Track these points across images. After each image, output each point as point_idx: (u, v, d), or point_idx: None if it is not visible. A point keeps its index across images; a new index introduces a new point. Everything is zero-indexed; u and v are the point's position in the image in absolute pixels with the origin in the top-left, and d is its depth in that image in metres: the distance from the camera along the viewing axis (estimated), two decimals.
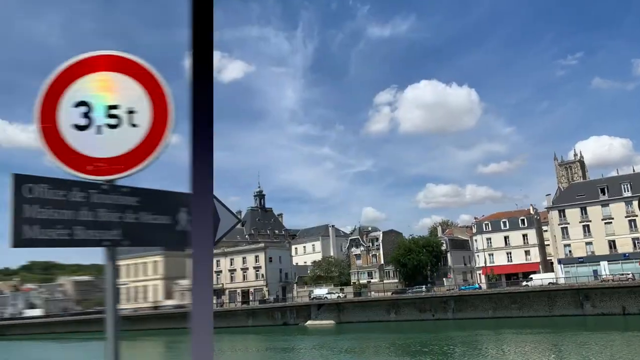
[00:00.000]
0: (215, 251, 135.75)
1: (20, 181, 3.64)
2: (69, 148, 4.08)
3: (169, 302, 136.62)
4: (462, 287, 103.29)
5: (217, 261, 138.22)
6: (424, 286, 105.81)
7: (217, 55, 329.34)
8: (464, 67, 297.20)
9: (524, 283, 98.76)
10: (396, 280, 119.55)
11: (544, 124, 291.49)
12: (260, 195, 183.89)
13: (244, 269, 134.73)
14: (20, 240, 3.56)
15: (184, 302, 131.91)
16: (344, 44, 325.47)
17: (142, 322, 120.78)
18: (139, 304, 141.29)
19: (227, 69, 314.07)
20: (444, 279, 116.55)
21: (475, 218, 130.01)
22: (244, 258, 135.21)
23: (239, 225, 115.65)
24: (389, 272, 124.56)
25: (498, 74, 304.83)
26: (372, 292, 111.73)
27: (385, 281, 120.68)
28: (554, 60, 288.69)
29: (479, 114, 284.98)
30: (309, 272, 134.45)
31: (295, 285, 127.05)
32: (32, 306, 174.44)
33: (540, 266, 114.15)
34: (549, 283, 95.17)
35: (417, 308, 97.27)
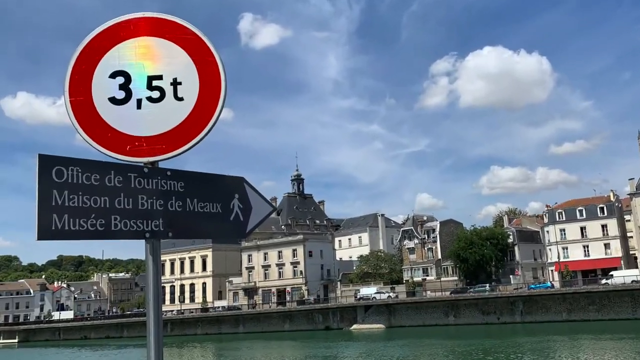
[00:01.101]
0: (246, 244, 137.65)
1: (48, 163, 3.58)
2: (104, 125, 4.05)
3: (220, 303, 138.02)
4: (532, 286, 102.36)
5: (249, 256, 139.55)
6: (487, 285, 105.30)
7: (248, 18, 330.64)
8: (534, 32, 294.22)
9: (603, 281, 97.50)
10: (455, 278, 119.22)
11: (627, 97, 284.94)
12: (298, 180, 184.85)
13: (280, 265, 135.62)
14: (47, 232, 3.50)
15: (237, 303, 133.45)
16: (394, 4, 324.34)
17: (188, 326, 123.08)
18: (185, 305, 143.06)
19: (260, 34, 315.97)
20: (510, 276, 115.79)
21: (547, 206, 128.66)
22: (279, 252, 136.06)
23: (273, 215, 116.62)
24: (447, 268, 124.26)
25: (574, 39, 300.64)
26: (428, 292, 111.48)
27: (442, 279, 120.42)
28: (638, 23, 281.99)
29: (551, 85, 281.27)
30: (354, 268, 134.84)
31: (338, 283, 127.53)
32: (61, 308, 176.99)
33: (622, 261, 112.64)
34: (632, 281, 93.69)
35: (480, 310, 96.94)
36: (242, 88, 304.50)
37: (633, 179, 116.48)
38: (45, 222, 3.49)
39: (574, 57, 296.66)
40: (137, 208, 3.91)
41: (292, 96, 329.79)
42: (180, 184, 4.13)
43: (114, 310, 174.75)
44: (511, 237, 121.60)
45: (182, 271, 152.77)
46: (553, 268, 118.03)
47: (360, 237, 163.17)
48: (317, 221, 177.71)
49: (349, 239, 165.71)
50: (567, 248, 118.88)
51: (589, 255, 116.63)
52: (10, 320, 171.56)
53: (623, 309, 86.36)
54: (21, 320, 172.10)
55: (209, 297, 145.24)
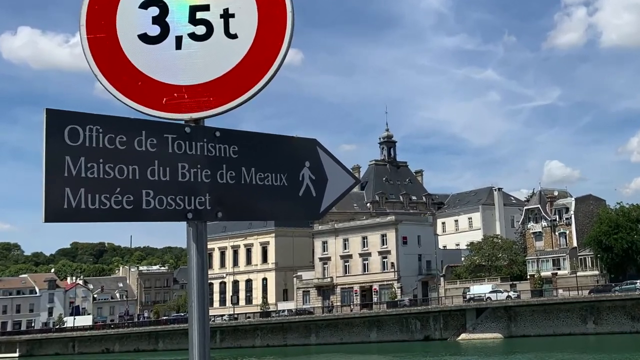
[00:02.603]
0: (320, 227, 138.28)
1: (59, 121, 3.55)
2: (132, 70, 4.04)
3: (285, 305, 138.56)
4: None
5: (324, 243, 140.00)
6: (638, 281, 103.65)
7: None
8: None
9: None
10: (596, 272, 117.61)
11: None
12: (388, 143, 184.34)
13: (365, 255, 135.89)
14: (58, 212, 3.47)
15: (307, 305, 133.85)
16: None
17: (244, 336, 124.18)
18: (239, 308, 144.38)
19: None
20: None
21: None
22: (364, 238, 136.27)
23: (356, 189, 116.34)
24: (585, 259, 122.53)
25: None
26: (559, 290, 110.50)
27: (579, 273, 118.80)
28: None
29: None
30: (462, 259, 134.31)
31: (442, 279, 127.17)
32: (76, 311, 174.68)
33: None
34: None
35: (628, 314, 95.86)
36: (314, 22, 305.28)
37: None
38: (55, 198, 3.45)
39: None
40: (176, 180, 3.89)
41: (379, 33, 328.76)
42: (233, 148, 4.11)
43: (146, 315, 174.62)
44: None
45: (235, 263, 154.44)
46: None
47: (470, 218, 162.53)
48: (414, 197, 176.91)
49: (456, 221, 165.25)
50: None
51: None
52: (9, 328, 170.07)
53: None
54: (23, 327, 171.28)
55: (271, 298, 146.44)
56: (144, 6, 4.08)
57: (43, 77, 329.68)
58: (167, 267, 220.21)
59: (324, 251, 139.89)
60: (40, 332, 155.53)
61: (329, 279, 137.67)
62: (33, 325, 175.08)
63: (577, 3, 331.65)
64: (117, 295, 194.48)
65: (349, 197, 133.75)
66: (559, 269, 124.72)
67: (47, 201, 3.42)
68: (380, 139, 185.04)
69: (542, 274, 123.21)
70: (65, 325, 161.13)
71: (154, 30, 4.07)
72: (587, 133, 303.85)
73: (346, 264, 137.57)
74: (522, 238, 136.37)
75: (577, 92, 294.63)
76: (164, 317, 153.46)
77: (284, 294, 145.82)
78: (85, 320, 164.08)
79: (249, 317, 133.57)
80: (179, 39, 4.07)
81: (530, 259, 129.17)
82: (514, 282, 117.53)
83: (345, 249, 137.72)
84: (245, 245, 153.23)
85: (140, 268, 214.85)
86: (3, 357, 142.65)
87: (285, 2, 4.15)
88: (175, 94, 4.02)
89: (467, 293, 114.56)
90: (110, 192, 3.62)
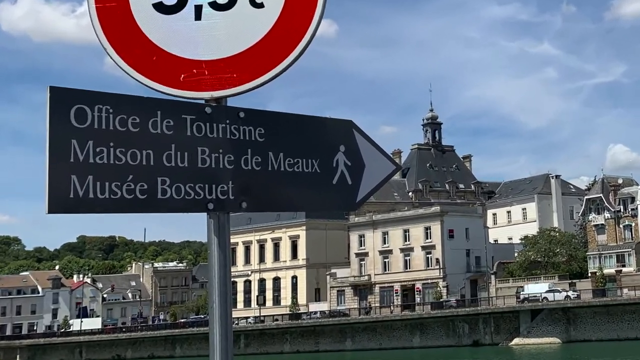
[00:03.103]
0: (356, 219, 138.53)
1: (64, 100, 3.52)
2: (146, 43, 4.01)
3: (318, 307, 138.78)
4: None
5: (361, 237, 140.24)
6: None
7: None
8: None
9: None
10: None
11: None
12: (433, 125, 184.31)
13: (406, 250, 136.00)
14: (63, 202, 3.45)
15: (342, 307, 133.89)
16: None
17: (271, 341, 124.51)
18: (266, 310, 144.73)
19: None
20: None
21: None
22: (405, 232, 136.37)
23: (396, 176, 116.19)
24: None
25: None
26: (625, 290, 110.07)
27: None
28: None
29: None
30: (516, 255, 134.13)
31: (492, 277, 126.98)
32: (84, 313, 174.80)
33: None
34: None
35: None
36: None
37: None
38: (60, 187, 3.43)
39: None
40: (196, 166, 3.86)
41: (421, 1, 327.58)
42: (259, 131, 4.07)
43: (161, 317, 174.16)
44: None
45: (261, 260, 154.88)
46: None
47: (524, 208, 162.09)
48: (461, 185, 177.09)
49: (508, 212, 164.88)
50: None
51: None
52: (8, 332, 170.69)
53: None
54: (24, 331, 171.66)
55: (302, 298, 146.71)
56: None
57: (46, 51, 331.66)
58: (185, 264, 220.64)
59: (361, 246, 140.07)
60: (44, 337, 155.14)
61: (366, 277, 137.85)
62: (35, 328, 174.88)
63: None
64: (130, 295, 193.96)
65: (388, 186, 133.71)
66: (623, 265, 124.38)
67: (50, 190, 3.39)
68: (423, 120, 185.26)
69: (605, 271, 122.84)
70: (71, 329, 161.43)
71: None
72: None
73: (385, 260, 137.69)
74: (582, 231, 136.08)
75: None
76: (182, 320, 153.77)
77: (316, 294, 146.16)
78: (94, 323, 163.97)
79: (276, 320, 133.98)
80: (198, 9, 4.03)
81: (592, 254, 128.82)
82: (573, 281, 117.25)
83: (385, 243, 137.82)
84: (273, 240, 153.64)
85: (155, 265, 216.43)
86: None
87: None
88: (195, 70, 3.98)
89: (521, 293, 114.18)
90: (121, 179, 3.60)
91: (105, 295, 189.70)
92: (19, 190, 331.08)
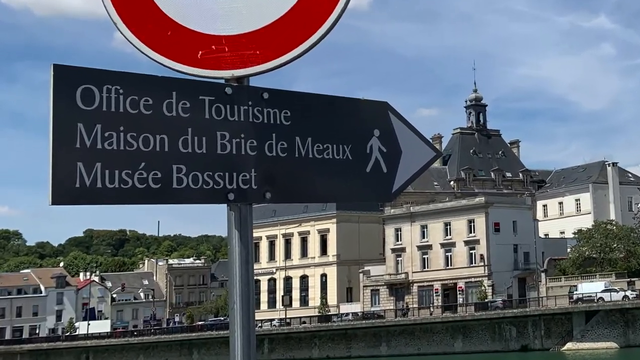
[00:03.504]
0: (392, 211, 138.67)
1: (69, 80, 3.49)
2: (160, 17, 3.98)
3: (349, 307, 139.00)
4: None
5: (397, 231, 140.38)
6: None
7: None
8: None
9: None
10: None
11: None
12: (477, 107, 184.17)
13: (447, 246, 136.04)
14: (68, 193, 3.42)
15: (377, 308, 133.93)
16: None
17: (298, 345, 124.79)
18: (292, 311, 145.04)
19: None
20: None
21: None
22: (446, 225, 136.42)
23: (436, 164, 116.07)
24: None
25: None
26: None
27: None
28: None
29: None
30: (568, 250, 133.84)
31: (543, 275, 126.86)
32: (91, 315, 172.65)
33: None
34: None
35: None
36: None
37: None
38: (65, 175, 3.39)
39: None
40: (215, 152, 3.84)
41: None
42: (285, 114, 4.05)
43: (177, 319, 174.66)
44: None
45: (287, 256, 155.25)
46: None
47: (577, 199, 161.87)
48: (508, 174, 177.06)
49: (560, 203, 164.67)
50: None
51: None
52: (8, 336, 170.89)
53: None
54: (25, 335, 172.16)
55: (332, 298, 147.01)
56: None
57: (49, 26, 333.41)
58: (202, 261, 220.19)
59: (397, 241, 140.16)
60: (47, 341, 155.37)
61: (403, 275, 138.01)
62: (37, 332, 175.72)
63: None
64: (142, 295, 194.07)
65: (428, 174, 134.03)
66: None
67: (54, 179, 3.35)
68: (466, 102, 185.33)
69: None
70: (77, 333, 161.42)
71: None
72: None
73: (424, 256, 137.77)
74: None
75: None
76: (200, 323, 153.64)
77: (348, 294, 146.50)
78: (102, 326, 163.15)
79: (304, 322, 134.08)
80: None
81: None
82: (633, 279, 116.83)
83: (424, 238, 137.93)
84: (300, 234, 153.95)
85: (170, 261, 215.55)
86: None
87: None
88: (214, 47, 3.95)
89: (574, 292, 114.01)
90: (132, 167, 3.57)
91: (114, 295, 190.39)
92: (20, 179, 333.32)
